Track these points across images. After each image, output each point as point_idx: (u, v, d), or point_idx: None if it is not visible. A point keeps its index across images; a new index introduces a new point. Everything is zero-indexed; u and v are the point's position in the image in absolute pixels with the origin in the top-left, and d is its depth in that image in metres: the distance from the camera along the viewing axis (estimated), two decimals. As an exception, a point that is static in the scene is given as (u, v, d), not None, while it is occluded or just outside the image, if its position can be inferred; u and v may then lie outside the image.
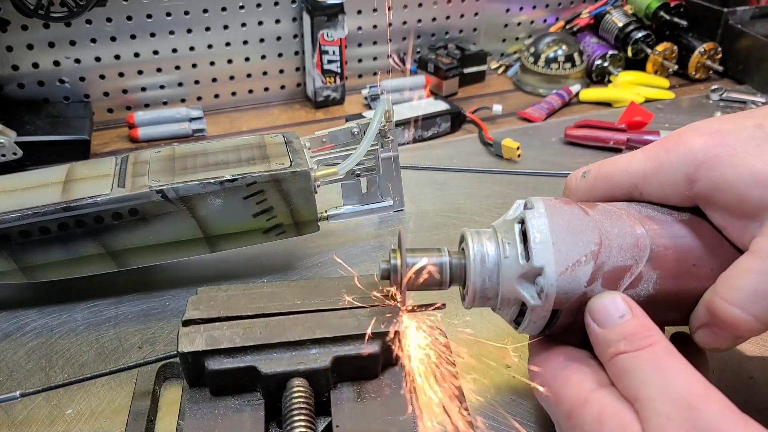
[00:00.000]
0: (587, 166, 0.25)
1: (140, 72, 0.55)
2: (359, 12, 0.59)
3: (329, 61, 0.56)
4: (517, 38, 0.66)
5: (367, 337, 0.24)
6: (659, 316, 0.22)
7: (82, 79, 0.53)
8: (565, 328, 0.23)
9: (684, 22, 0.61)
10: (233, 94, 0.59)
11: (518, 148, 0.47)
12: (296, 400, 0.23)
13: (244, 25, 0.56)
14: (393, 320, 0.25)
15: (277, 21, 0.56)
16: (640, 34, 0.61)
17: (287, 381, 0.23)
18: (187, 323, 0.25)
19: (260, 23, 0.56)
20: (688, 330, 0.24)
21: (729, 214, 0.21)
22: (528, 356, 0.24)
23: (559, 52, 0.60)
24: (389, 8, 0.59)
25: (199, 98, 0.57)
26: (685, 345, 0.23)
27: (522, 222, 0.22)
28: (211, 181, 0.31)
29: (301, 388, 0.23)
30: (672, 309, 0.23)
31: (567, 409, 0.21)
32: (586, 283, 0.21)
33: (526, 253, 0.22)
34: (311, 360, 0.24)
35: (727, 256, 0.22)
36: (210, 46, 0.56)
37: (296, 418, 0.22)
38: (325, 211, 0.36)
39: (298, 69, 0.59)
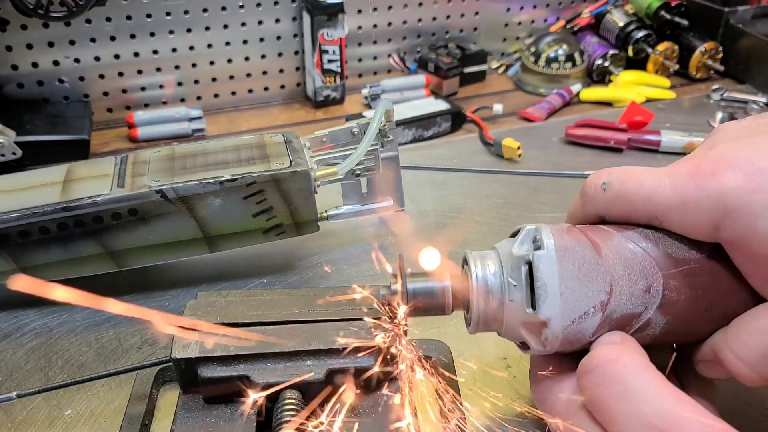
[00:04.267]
0: (608, 174, 0.23)
1: (140, 71, 0.54)
2: (359, 11, 0.59)
3: (329, 61, 0.56)
4: (517, 38, 0.66)
5: (363, 351, 0.24)
6: (662, 346, 0.21)
7: (81, 78, 0.53)
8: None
9: (685, 22, 0.61)
10: (233, 93, 0.58)
11: (519, 148, 0.47)
12: (287, 413, 0.22)
13: (243, 24, 0.55)
14: (392, 334, 0.24)
15: (277, 20, 0.56)
16: (640, 34, 0.61)
17: (280, 392, 0.23)
18: (183, 328, 0.25)
19: (260, 23, 0.56)
20: None
21: (753, 264, 0.20)
22: (530, 363, 0.24)
23: (560, 51, 0.59)
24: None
25: (198, 98, 0.57)
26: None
27: (529, 263, 0.21)
28: (211, 181, 0.31)
29: (293, 401, 0.23)
30: (678, 342, 0.22)
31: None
32: (592, 333, 0.21)
33: (532, 302, 0.21)
34: (305, 372, 0.23)
35: (743, 300, 0.21)
36: (210, 46, 0.55)
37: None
38: (325, 211, 0.36)
39: (298, 68, 0.59)
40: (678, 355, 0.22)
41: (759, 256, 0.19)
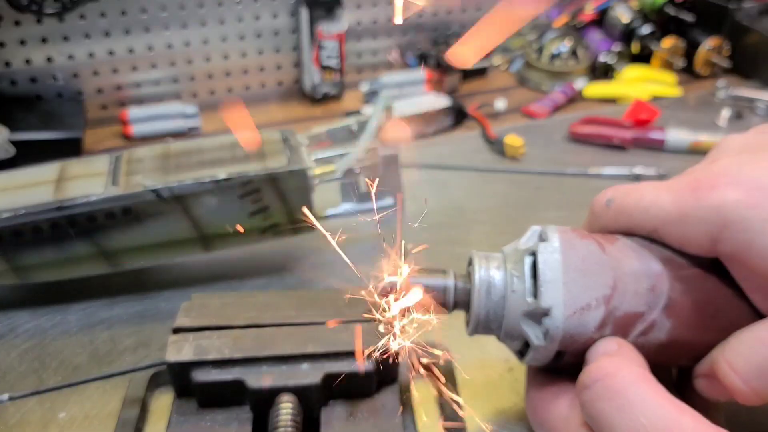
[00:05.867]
0: (613, 191, 0.23)
1: (134, 68, 0.54)
2: (358, 6, 0.58)
3: (328, 57, 0.55)
4: (520, 33, 0.65)
5: (361, 354, 0.23)
6: (668, 362, 0.21)
7: (75, 75, 0.52)
8: (572, 365, 0.21)
9: (690, 18, 0.60)
10: (229, 90, 0.58)
11: (522, 146, 0.46)
12: (282, 418, 0.22)
13: (240, 19, 0.55)
14: (390, 337, 0.24)
15: (275, 15, 0.55)
16: (645, 30, 0.60)
17: (276, 396, 0.23)
18: (177, 331, 0.24)
19: (257, 18, 0.55)
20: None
21: (751, 280, 0.19)
22: (525, 376, 0.24)
23: (563, 47, 0.59)
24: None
25: (194, 95, 0.56)
26: None
27: (534, 254, 0.21)
28: (206, 179, 0.30)
29: (289, 405, 0.22)
30: (683, 357, 0.22)
31: None
32: (595, 328, 0.20)
33: (535, 291, 0.21)
34: (301, 376, 0.23)
35: (746, 313, 0.20)
36: (206, 42, 0.55)
37: None
38: (324, 211, 0.35)
39: (295, 64, 0.58)
40: (681, 378, 0.21)
41: (757, 271, 0.19)
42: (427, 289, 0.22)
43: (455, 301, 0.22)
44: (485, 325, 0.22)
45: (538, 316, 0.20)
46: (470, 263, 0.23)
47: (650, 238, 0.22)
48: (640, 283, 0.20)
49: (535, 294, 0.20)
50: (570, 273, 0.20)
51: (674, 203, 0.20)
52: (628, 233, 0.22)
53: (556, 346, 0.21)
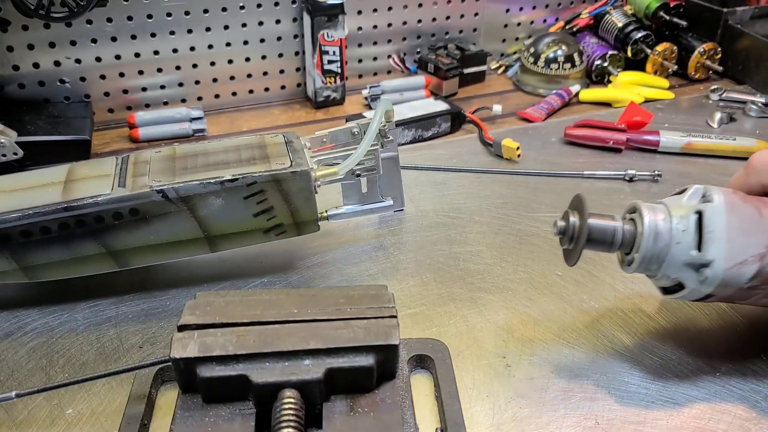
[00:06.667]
0: None
1: (141, 72, 0.55)
2: (359, 12, 0.59)
3: (329, 62, 0.56)
4: (516, 38, 0.66)
5: (362, 350, 0.24)
6: None
7: (82, 79, 0.53)
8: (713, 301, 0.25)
9: (684, 23, 0.61)
10: (234, 94, 0.59)
11: (518, 148, 0.47)
12: (285, 412, 0.22)
13: (244, 25, 0.56)
14: (390, 333, 0.24)
15: (278, 21, 0.56)
16: (639, 35, 0.61)
17: (279, 391, 0.23)
18: (182, 328, 0.25)
19: (260, 23, 0.56)
20: None
21: None
22: None
23: (559, 52, 0.60)
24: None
25: (199, 98, 0.57)
26: None
27: (699, 213, 0.24)
28: (212, 181, 0.31)
29: (292, 400, 0.23)
30: None
31: None
32: (747, 280, 0.23)
33: (699, 245, 0.24)
34: (304, 371, 0.23)
35: None
36: (210, 47, 0.56)
37: (284, 430, 0.22)
38: (326, 211, 0.36)
39: (298, 69, 0.59)
40: None
41: None
42: (599, 228, 0.25)
43: (622, 242, 0.26)
44: (646, 266, 0.26)
45: (699, 265, 0.24)
46: (633, 211, 0.26)
47: None
48: None
49: (699, 248, 0.24)
50: (732, 232, 0.24)
51: None
52: None
53: (710, 291, 0.24)
